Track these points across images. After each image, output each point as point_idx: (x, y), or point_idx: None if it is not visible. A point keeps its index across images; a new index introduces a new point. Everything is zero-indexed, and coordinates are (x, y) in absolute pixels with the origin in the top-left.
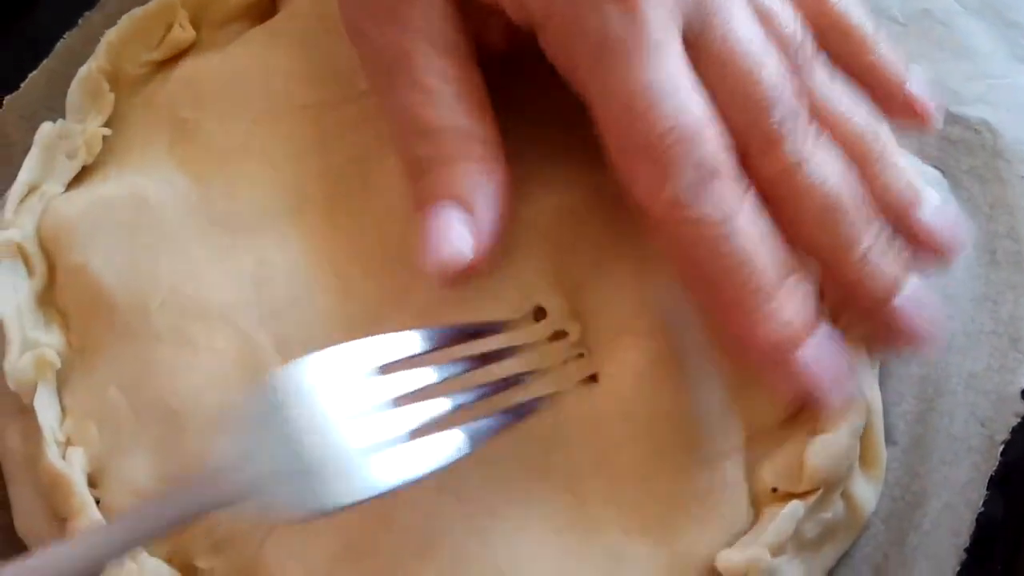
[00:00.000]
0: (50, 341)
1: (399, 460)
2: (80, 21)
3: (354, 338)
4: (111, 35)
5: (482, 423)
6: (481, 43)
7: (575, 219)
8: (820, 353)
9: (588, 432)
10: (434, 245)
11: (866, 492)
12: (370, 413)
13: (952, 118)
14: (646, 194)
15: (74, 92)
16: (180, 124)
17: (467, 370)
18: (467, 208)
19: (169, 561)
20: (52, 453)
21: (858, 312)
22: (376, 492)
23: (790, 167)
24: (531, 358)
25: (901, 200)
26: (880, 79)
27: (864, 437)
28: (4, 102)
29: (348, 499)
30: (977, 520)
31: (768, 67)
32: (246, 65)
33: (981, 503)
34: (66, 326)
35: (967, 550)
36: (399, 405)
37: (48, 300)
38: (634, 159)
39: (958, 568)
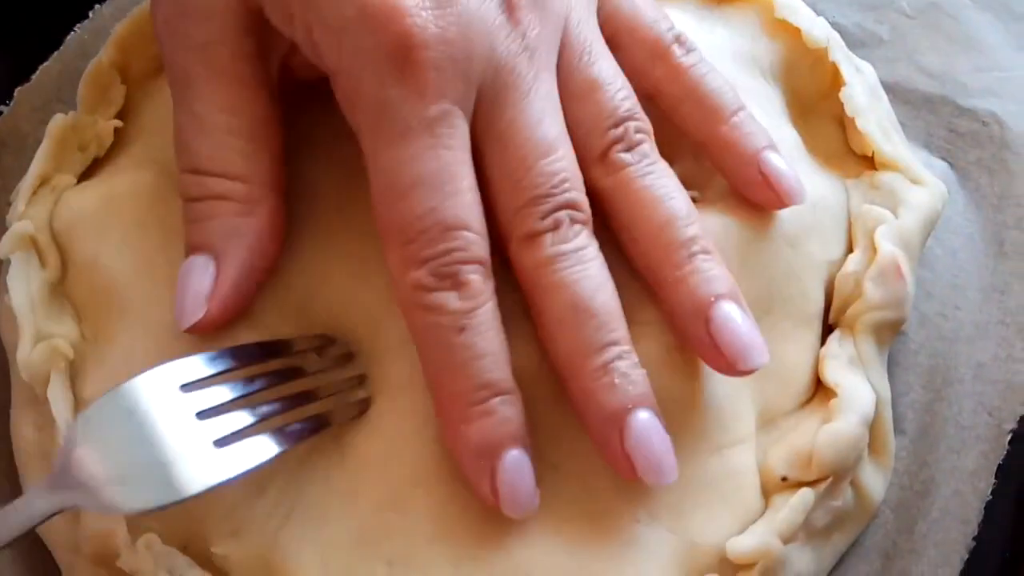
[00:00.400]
0: (63, 332)
1: (218, 462)
2: (91, 13)
3: (368, 319)
4: (121, 28)
5: (290, 429)
6: (290, 72)
7: None
8: (515, 465)
9: None
10: (178, 298)
11: (875, 481)
12: (181, 426)
13: (960, 110)
14: (395, 271)
15: (85, 85)
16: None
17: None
18: (216, 259)
19: (184, 549)
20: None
21: (587, 425)
22: (202, 488)
23: (546, 262)
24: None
25: (695, 300)
26: (730, 151)
27: (873, 426)
28: (16, 94)
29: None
30: (985, 508)
31: (549, 157)
32: None
33: (989, 491)
34: (79, 317)
35: (975, 538)
36: (209, 416)
37: (61, 291)
38: (390, 236)
39: (966, 556)
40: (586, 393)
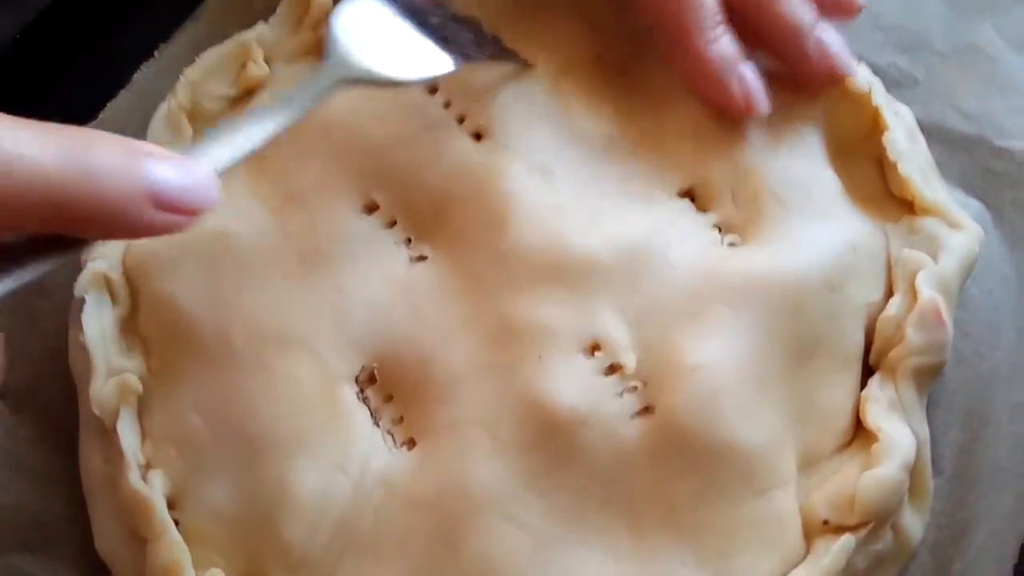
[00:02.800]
0: (131, 367)
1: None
2: (156, 53)
3: (433, 370)
4: (191, 72)
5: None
6: None
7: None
8: (751, 72)
9: (645, 463)
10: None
11: (914, 523)
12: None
13: (995, 151)
14: None
15: (155, 127)
16: (257, 161)
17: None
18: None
19: None
20: (133, 476)
21: (781, 48)
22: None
23: None
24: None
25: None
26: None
27: (913, 469)
28: None
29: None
30: (1022, 548)
31: None
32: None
33: None
34: (147, 352)
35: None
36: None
37: (130, 327)
38: None
39: None
40: (784, 15)
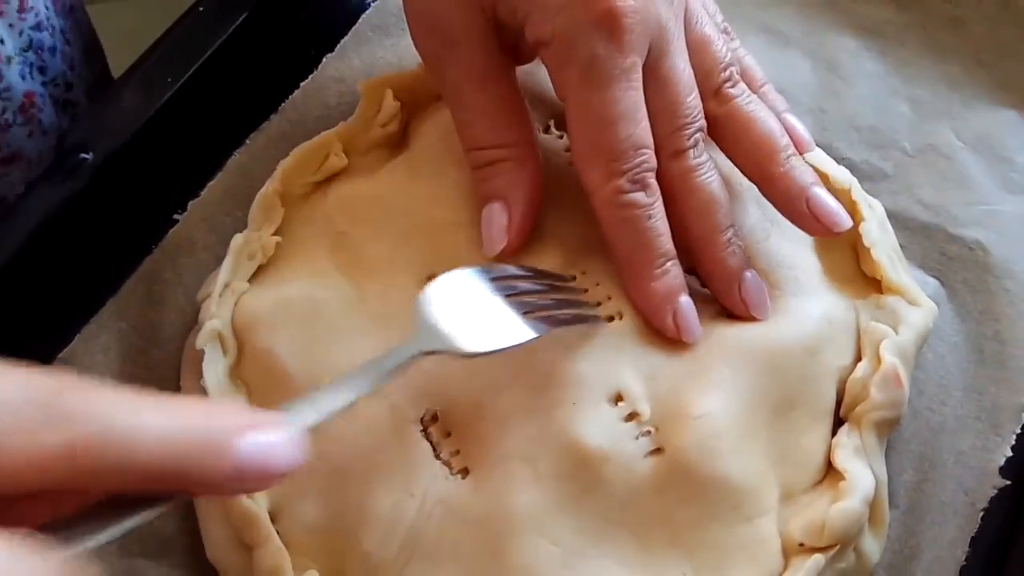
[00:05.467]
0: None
1: (525, 326)
2: (247, 141)
3: (484, 412)
4: (285, 163)
5: (555, 318)
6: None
7: None
8: (689, 307)
9: (655, 493)
10: (484, 236)
11: (872, 547)
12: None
13: (951, 237)
14: (598, 183)
15: (255, 208)
16: (338, 237)
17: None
18: (506, 203)
19: None
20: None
21: (714, 284)
22: (524, 339)
23: (689, 169)
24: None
25: (795, 187)
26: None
27: (872, 503)
28: (189, 206)
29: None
30: (960, 571)
31: (691, 95)
32: (392, 190)
33: (963, 558)
34: (249, 395)
35: None
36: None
37: (236, 375)
38: (594, 158)
39: None
40: (716, 260)
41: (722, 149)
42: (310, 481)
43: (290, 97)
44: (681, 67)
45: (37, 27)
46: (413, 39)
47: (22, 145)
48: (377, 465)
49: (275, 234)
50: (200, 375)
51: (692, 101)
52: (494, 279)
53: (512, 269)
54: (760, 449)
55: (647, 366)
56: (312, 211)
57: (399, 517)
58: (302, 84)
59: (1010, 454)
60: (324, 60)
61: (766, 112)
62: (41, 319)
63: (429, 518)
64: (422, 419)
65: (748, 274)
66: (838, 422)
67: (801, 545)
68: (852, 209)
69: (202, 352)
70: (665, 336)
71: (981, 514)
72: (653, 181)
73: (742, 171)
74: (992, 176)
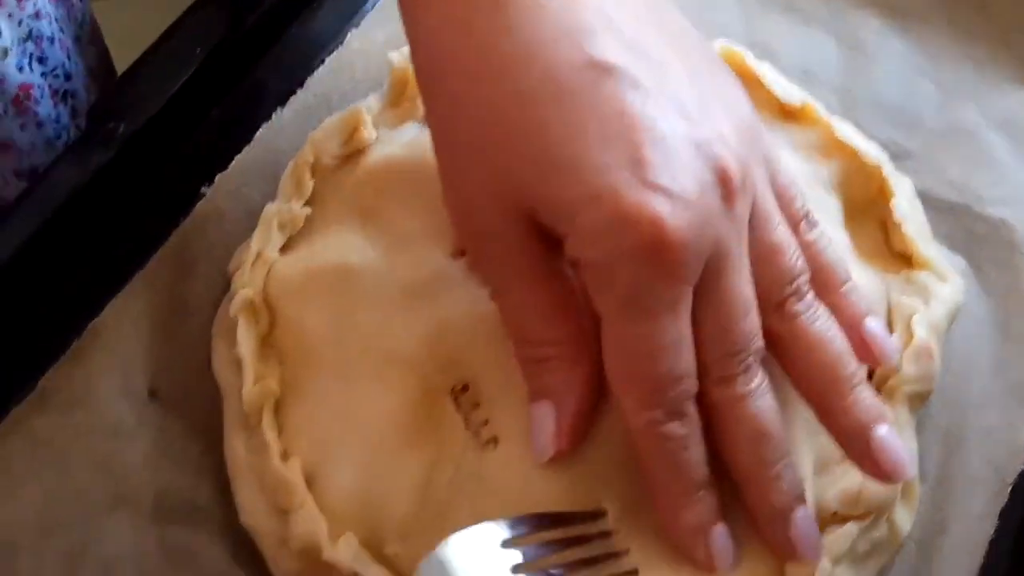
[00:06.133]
0: (272, 374)
1: None
2: (273, 116)
3: (513, 383)
4: (315, 135)
5: None
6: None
7: None
8: (722, 541)
9: None
10: (534, 438)
11: (904, 518)
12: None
13: (977, 216)
14: (633, 411)
15: (285, 179)
16: (368, 208)
17: (554, 551)
18: (556, 404)
19: (365, 547)
20: (277, 460)
21: (758, 519)
22: None
23: (737, 398)
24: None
25: (859, 424)
26: (840, 309)
27: None
28: (216, 179)
29: None
30: (989, 544)
31: (748, 316)
32: (422, 162)
33: (992, 531)
34: (282, 363)
35: (980, 568)
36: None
37: (268, 343)
38: (631, 386)
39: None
40: (761, 494)
41: (783, 368)
42: (345, 448)
43: (316, 71)
44: (739, 288)
45: (36, 16)
46: (452, 225)
47: (13, 135)
48: (408, 434)
49: (305, 205)
50: (233, 343)
51: (747, 324)
52: (509, 542)
53: (535, 521)
54: (795, 419)
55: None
56: (342, 183)
57: (432, 486)
58: (327, 59)
59: None
60: (349, 34)
61: (834, 331)
62: (71, 290)
63: (461, 490)
64: (453, 389)
65: (799, 513)
66: None
67: (835, 514)
68: (882, 185)
69: (235, 321)
70: None
71: (1010, 488)
72: (691, 409)
73: (802, 395)
74: (1018, 156)
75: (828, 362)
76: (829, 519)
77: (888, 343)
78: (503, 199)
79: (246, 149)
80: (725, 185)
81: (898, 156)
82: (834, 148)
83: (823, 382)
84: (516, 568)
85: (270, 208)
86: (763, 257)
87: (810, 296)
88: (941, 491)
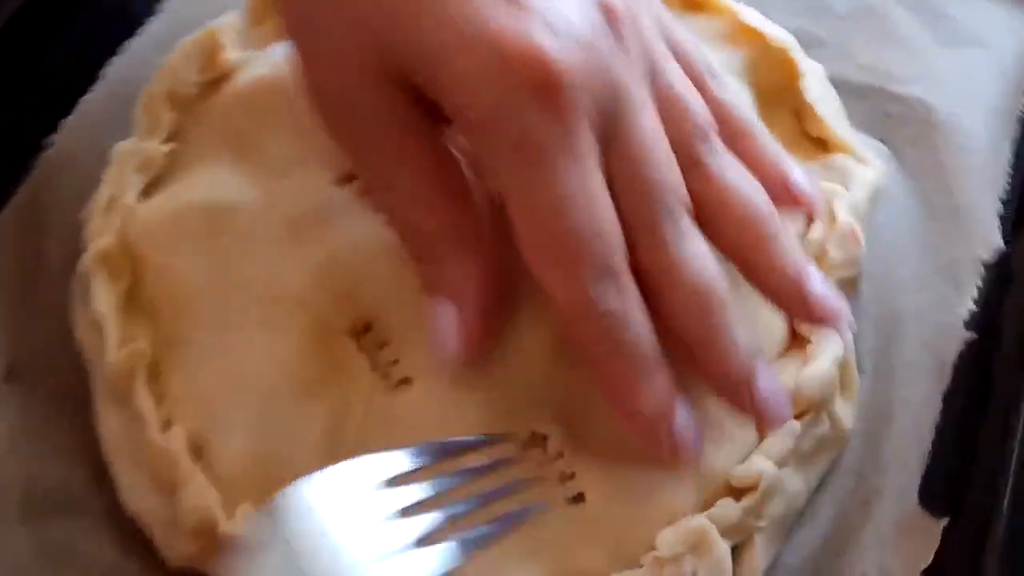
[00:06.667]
0: (140, 335)
1: (402, 570)
2: (118, 49)
3: (405, 309)
4: (168, 61)
5: (478, 532)
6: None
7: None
8: (685, 420)
9: None
10: (434, 339)
11: (846, 412)
12: (374, 526)
13: (891, 96)
14: (558, 291)
15: (138, 112)
16: (238, 135)
17: (460, 483)
18: (456, 299)
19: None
20: (155, 432)
21: (720, 391)
22: None
23: (673, 264)
24: (523, 469)
25: (790, 277)
26: (764, 172)
27: (841, 368)
28: (60, 126)
29: None
30: (936, 430)
31: (664, 168)
32: (290, 81)
33: (938, 416)
34: (154, 321)
35: (928, 454)
36: (401, 516)
37: (134, 298)
38: (548, 260)
39: (923, 470)
40: (720, 365)
41: (701, 228)
42: (235, 409)
43: None
44: (648, 131)
45: None
46: (315, 115)
47: None
48: (307, 383)
49: (168, 142)
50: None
51: (667, 174)
52: (392, 481)
53: (423, 455)
54: None
55: (559, 400)
56: (207, 114)
57: (338, 438)
58: None
59: (973, 308)
60: None
61: (751, 183)
62: None
63: (372, 438)
64: (353, 329)
65: (762, 376)
66: None
67: None
68: (791, 68)
69: (87, 278)
70: None
71: (951, 370)
72: (625, 279)
73: (724, 253)
74: (928, 32)
75: (748, 216)
76: None
77: (812, 187)
78: (367, 62)
79: (93, 88)
80: (612, 22)
81: (808, 44)
82: (741, 35)
83: (745, 237)
84: (404, 512)
85: (122, 146)
86: (663, 111)
87: (721, 149)
88: (881, 381)
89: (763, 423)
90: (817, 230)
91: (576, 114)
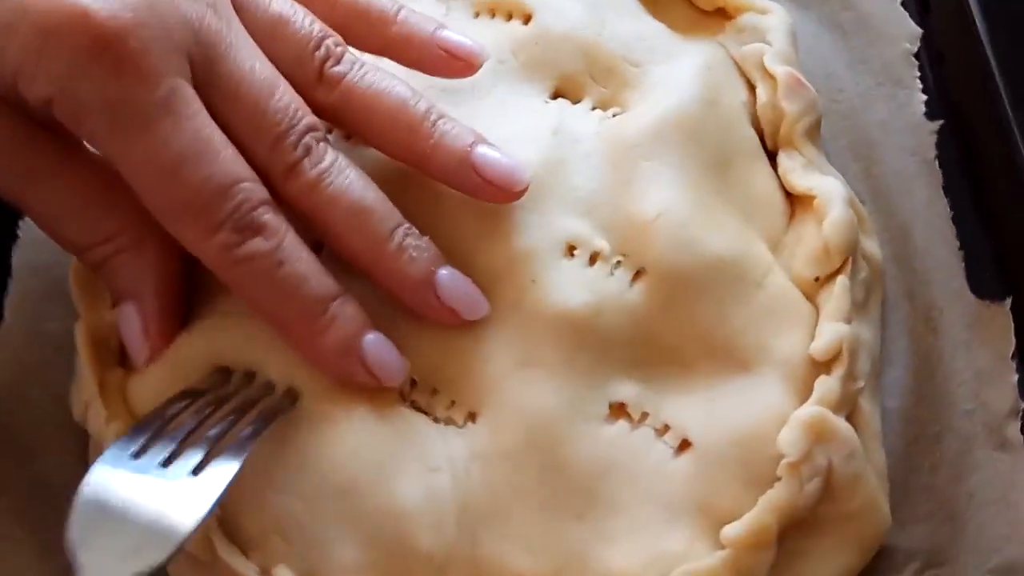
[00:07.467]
0: None
1: (193, 494)
2: (19, 232)
3: (458, 347)
4: None
5: (242, 437)
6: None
7: None
8: (375, 343)
9: (661, 314)
10: (127, 345)
11: (872, 246)
12: (156, 481)
13: None
14: (197, 246)
15: (74, 288)
16: None
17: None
18: (136, 302)
19: None
20: None
21: (404, 299)
22: (196, 521)
23: (312, 184)
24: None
25: (453, 156)
26: (410, 42)
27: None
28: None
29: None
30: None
31: (276, 94)
32: None
33: (949, 209)
34: None
35: (959, 248)
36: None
37: None
38: (177, 218)
39: (964, 265)
40: (392, 272)
41: (359, 139)
42: (323, 521)
43: None
44: (247, 67)
45: None
46: None
47: None
48: (382, 462)
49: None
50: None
51: (279, 102)
52: (137, 453)
53: (157, 419)
54: (726, 213)
55: (576, 201)
56: None
57: (437, 498)
58: None
59: (925, 97)
60: None
61: (387, 79)
62: None
63: (469, 480)
64: (401, 392)
65: (442, 273)
66: (772, 158)
67: (817, 279)
68: None
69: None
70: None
71: (936, 161)
72: (269, 216)
73: (390, 156)
74: None
75: (393, 111)
76: (814, 287)
77: (470, 42)
78: None
79: (14, 282)
80: None
81: None
82: None
83: (400, 133)
84: (164, 462)
85: (82, 330)
86: (268, 35)
87: (347, 55)
88: (879, 202)
89: (454, 319)
90: (763, 94)
91: (154, 68)
